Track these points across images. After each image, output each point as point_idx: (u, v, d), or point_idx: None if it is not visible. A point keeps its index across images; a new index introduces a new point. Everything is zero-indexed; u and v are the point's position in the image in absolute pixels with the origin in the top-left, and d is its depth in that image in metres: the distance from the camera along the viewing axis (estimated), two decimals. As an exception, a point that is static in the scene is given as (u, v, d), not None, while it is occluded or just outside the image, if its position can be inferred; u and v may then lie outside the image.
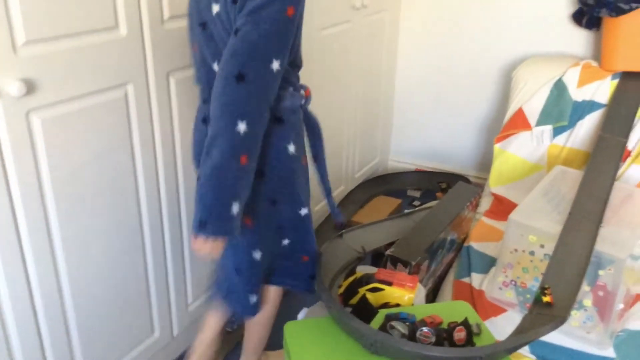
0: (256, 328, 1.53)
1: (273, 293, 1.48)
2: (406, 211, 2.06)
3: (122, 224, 1.41)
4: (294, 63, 1.23)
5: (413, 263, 1.64)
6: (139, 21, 1.30)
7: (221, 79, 1.08)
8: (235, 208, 1.12)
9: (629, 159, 2.06)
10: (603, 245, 1.66)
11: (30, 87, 1.09)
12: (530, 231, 1.71)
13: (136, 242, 1.47)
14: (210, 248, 1.16)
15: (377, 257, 1.86)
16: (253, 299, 1.37)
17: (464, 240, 2.06)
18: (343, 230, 1.71)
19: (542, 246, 1.71)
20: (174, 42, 1.41)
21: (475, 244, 1.97)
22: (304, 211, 1.34)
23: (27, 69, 1.09)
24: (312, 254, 1.42)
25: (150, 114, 1.41)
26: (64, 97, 1.17)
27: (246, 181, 1.14)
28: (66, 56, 1.16)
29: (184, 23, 1.43)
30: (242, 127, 1.08)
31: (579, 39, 2.42)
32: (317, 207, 2.31)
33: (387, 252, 1.69)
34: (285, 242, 1.38)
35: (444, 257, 1.93)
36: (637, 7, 2.04)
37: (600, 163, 1.96)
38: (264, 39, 1.07)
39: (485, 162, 2.77)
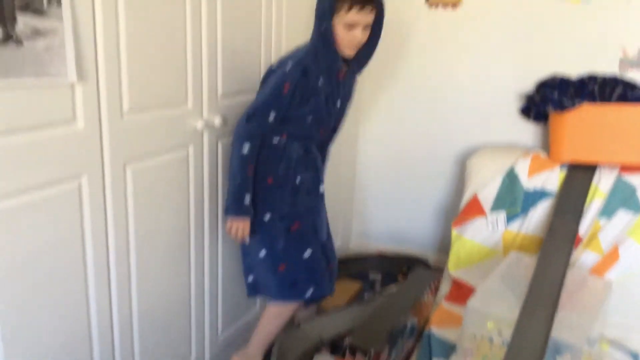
0: (262, 321, 1.90)
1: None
2: (365, 297, 2.06)
3: (69, 323, 1.37)
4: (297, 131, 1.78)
5: (373, 351, 1.62)
6: (98, 114, 1.33)
7: None
8: (247, 199, 1.70)
9: (580, 245, 2.12)
10: (560, 331, 1.67)
11: (-20, 181, 1.09)
12: (488, 317, 1.72)
13: (83, 342, 1.42)
14: (235, 228, 1.73)
15: (336, 346, 1.83)
16: (248, 279, 1.89)
17: (424, 326, 2.05)
18: (300, 321, 1.69)
19: (499, 333, 1.72)
20: (133, 133, 1.44)
21: (435, 330, 1.96)
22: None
23: (-20, 162, 1.09)
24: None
25: (104, 205, 1.40)
26: (15, 189, 1.17)
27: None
28: (19, 149, 1.16)
29: (144, 115, 1.47)
30: (245, 149, 1.70)
31: (528, 130, 2.55)
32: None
33: (347, 341, 1.67)
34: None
35: (405, 344, 1.91)
36: (579, 103, 2.17)
37: (553, 249, 2.01)
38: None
39: (445, 244, 2.81)
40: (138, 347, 1.61)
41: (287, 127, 1.74)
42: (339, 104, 1.82)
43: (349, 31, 1.65)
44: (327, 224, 1.97)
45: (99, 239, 1.40)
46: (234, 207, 1.71)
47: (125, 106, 1.40)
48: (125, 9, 1.35)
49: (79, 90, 1.27)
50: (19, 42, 1.11)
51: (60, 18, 1.19)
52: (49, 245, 1.27)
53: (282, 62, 1.72)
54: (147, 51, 1.45)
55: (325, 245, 1.92)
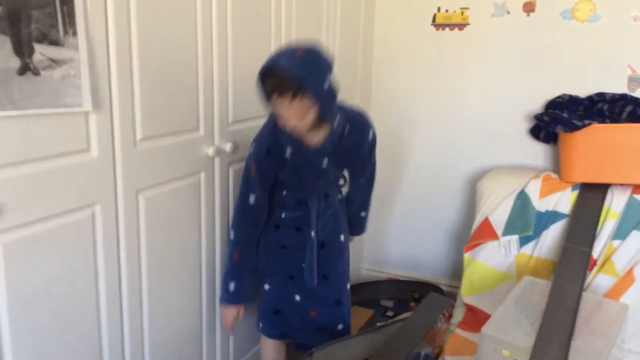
0: None
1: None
2: (378, 325, 2.02)
3: (82, 351, 1.35)
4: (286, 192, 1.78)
5: (386, 381, 1.59)
6: (112, 143, 1.33)
7: None
8: (232, 286, 1.73)
9: (595, 269, 2.09)
10: (576, 358, 1.64)
11: (-5, 211, 1.09)
12: (503, 345, 1.69)
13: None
14: (223, 316, 1.80)
15: (350, 375, 1.80)
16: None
17: (438, 354, 2.02)
18: (313, 349, 1.66)
19: (516, 361, 1.69)
20: (145, 161, 1.44)
21: (450, 359, 1.93)
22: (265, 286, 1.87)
23: (-5, 193, 1.09)
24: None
25: (117, 233, 1.40)
26: (29, 219, 1.17)
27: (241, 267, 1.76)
28: (34, 179, 1.16)
29: (156, 143, 1.47)
30: (231, 235, 1.74)
31: (538, 151, 2.54)
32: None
33: (360, 370, 1.64)
34: None
35: (419, 373, 1.88)
36: (589, 124, 2.16)
37: (567, 273, 1.99)
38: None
39: (456, 270, 2.78)
40: (149, 377, 1.59)
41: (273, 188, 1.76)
42: (325, 162, 1.70)
43: (281, 115, 1.48)
44: (331, 274, 1.88)
45: (111, 267, 1.40)
46: (221, 295, 1.78)
47: (138, 134, 1.40)
48: (137, 38, 1.36)
49: (93, 120, 1.27)
50: (36, 72, 1.12)
51: (76, 48, 1.19)
52: (62, 274, 1.26)
53: (251, 144, 1.69)
54: (160, 80, 1.45)
55: (310, 292, 1.85)
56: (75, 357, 1.33)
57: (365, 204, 2.05)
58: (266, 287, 1.85)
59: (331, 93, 1.49)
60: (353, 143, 1.73)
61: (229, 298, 1.74)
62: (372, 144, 1.85)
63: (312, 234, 1.79)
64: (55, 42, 1.15)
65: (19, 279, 1.17)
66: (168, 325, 1.64)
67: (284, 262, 1.83)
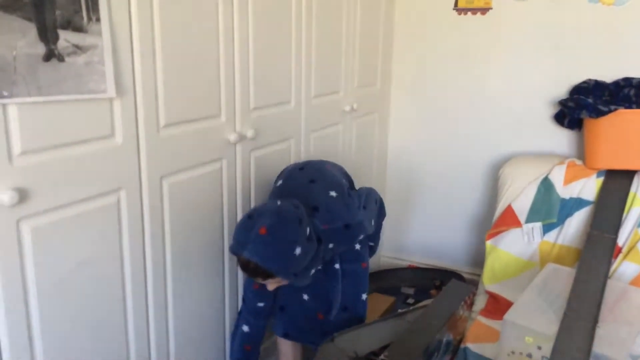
0: None
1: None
2: (400, 311, 2.02)
3: (107, 334, 1.38)
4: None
5: (408, 367, 1.59)
6: (135, 130, 1.34)
7: None
8: None
9: (620, 256, 2.06)
10: (601, 346, 1.63)
11: (22, 196, 1.11)
12: (526, 332, 1.68)
13: (120, 354, 1.43)
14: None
15: (371, 361, 1.80)
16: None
17: (460, 341, 2.01)
18: (335, 334, 1.67)
19: (539, 348, 1.67)
20: (169, 148, 1.45)
21: (472, 345, 1.92)
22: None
23: (21, 178, 1.10)
24: None
25: (141, 218, 1.41)
26: (55, 204, 1.18)
27: None
28: (60, 165, 1.18)
29: (179, 130, 1.48)
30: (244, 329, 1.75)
31: (562, 138, 2.50)
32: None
33: (382, 357, 1.64)
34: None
35: (440, 360, 1.88)
36: (615, 109, 2.12)
37: (591, 261, 1.96)
38: None
39: (478, 258, 2.77)
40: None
41: None
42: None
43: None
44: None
45: (136, 251, 1.41)
46: None
47: (162, 120, 1.41)
48: (160, 25, 1.36)
49: (117, 106, 1.28)
50: (60, 58, 1.13)
51: (99, 34, 1.20)
52: (88, 258, 1.28)
53: None
54: (182, 66, 1.46)
55: (319, 292, 1.80)
56: (101, 339, 1.36)
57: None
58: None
59: (302, 257, 1.44)
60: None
61: None
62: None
63: (336, 265, 1.76)
64: (79, 29, 1.16)
65: (47, 263, 1.19)
66: (192, 309, 1.66)
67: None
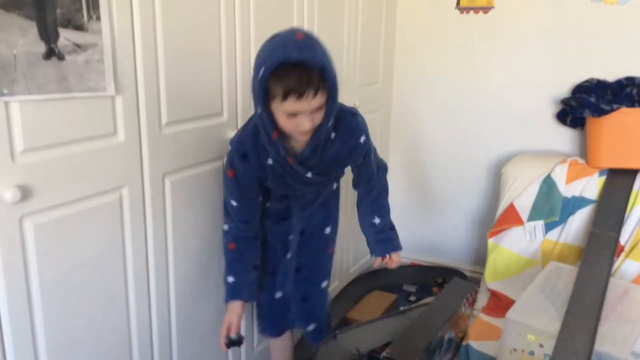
0: None
1: None
2: (402, 308, 2.03)
3: (110, 331, 1.38)
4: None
5: (410, 365, 1.59)
6: (137, 127, 1.34)
7: None
8: (230, 279, 1.54)
9: (622, 254, 2.06)
10: (603, 344, 1.63)
11: (25, 193, 1.11)
12: (528, 330, 1.68)
13: (123, 350, 1.43)
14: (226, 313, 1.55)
15: (373, 359, 1.81)
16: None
17: (462, 339, 2.01)
18: (337, 331, 1.67)
19: (541, 345, 1.67)
20: (171, 145, 1.45)
21: (473, 343, 1.92)
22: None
23: (24, 175, 1.11)
24: None
25: (144, 215, 1.42)
26: (58, 202, 1.19)
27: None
28: (63, 162, 1.18)
29: (181, 127, 1.49)
30: (224, 227, 1.58)
31: (565, 136, 2.50)
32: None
33: (384, 354, 1.64)
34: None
35: (442, 358, 1.88)
36: (618, 108, 2.12)
37: (594, 259, 1.96)
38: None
39: (480, 256, 2.77)
40: (176, 356, 1.62)
41: None
42: (310, 174, 1.49)
43: (292, 119, 1.28)
44: (304, 267, 1.75)
45: (139, 248, 1.42)
46: (225, 291, 1.58)
47: (164, 119, 1.42)
48: (162, 22, 1.36)
49: (119, 104, 1.28)
50: (61, 57, 1.13)
51: (99, 33, 1.20)
52: (91, 255, 1.29)
53: (230, 144, 1.52)
54: (184, 64, 1.46)
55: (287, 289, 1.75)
56: (104, 336, 1.36)
57: (375, 210, 1.71)
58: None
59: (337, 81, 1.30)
60: (339, 151, 1.49)
61: (226, 293, 1.55)
62: (365, 151, 1.56)
63: (294, 221, 1.65)
64: (79, 27, 1.16)
65: (50, 260, 1.19)
66: (194, 307, 1.66)
67: (264, 258, 1.66)
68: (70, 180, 1.21)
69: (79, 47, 1.17)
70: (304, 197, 1.62)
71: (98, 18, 1.20)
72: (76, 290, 1.27)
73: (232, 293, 1.53)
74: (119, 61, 1.26)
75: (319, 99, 1.26)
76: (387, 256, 1.71)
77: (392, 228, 1.73)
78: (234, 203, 1.50)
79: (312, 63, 1.21)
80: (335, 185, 1.72)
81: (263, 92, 1.25)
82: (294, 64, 1.20)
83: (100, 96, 1.24)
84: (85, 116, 1.22)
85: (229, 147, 1.49)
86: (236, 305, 1.52)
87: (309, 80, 1.22)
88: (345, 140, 1.48)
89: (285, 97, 1.23)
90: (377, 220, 1.69)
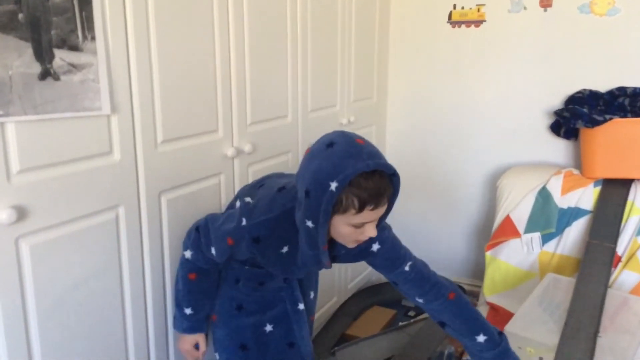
0: None
1: None
2: (401, 324, 2.02)
3: (107, 351, 1.37)
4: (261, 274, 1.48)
5: (410, 380, 1.58)
6: (133, 146, 1.35)
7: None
8: (189, 311, 1.46)
9: (619, 265, 2.06)
10: (603, 356, 1.62)
11: (21, 214, 1.11)
12: (527, 343, 1.68)
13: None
14: (181, 344, 1.51)
15: (373, 375, 1.79)
16: None
17: (462, 353, 2.00)
18: (336, 348, 1.66)
19: (540, 358, 1.67)
20: (166, 163, 1.45)
21: (473, 357, 1.91)
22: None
23: (20, 196, 1.11)
24: None
25: (140, 234, 1.41)
26: (54, 222, 1.18)
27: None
28: (59, 182, 1.18)
29: (177, 145, 1.49)
30: (187, 254, 1.44)
31: (559, 148, 2.51)
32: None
33: (383, 370, 1.64)
34: None
35: (442, 372, 1.87)
36: (610, 118, 2.13)
37: (591, 270, 1.96)
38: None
39: (478, 269, 2.76)
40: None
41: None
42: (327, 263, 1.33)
43: (356, 229, 1.20)
44: (298, 341, 1.57)
45: (135, 267, 1.41)
46: (175, 320, 1.51)
47: (159, 137, 1.42)
48: (157, 42, 1.37)
49: (114, 123, 1.29)
50: (56, 77, 1.14)
51: (94, 53, 1.21)
52: (88, 275, 1.28)
53: (245, 205, 1.33)
54: (179, 82, 1.47)
55: None
56: (101, 356, 1.35)
57: (471, 327, 1.43)
58: (217, 356, 1.54)
59: None
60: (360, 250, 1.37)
61: (184, 324, 1.48)
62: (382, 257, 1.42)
63: (300, 306, 1.55)
64: (74, 47, 1.17)
65: (46, 280, 1.19)
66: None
67: (237, 328, 1.51)
68: (66, 200, 1.20)
69: (74, 67, 1.18)
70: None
71: (93, 38, 1.21)
72: (73, 310, 1.26)
73: (191, 326, 1.48)
74: (114, 80, 1.27)
75: (386, 204, 1.20)
76: None
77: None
78: (213, 252, 1.37)
79: (387, 170, 1.16)
80: None
81: (328, 208, 1.13)
82: (371, 173, 1.13)
83: (96, 115, 1.24)
84: (81, 136, 1.22)
85: (242, 221, 1.29)
86: (195, 338, 1.50)
87: (386, 188, 1.16)
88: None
89: (361, 208, 1.14)
90: (480, 339, 1.41)
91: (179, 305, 1.47)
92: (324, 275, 2.24)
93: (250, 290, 1.50)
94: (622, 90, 2.29)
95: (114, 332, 1.38)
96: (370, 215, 1.16)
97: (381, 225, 1.28)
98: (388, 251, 1.40)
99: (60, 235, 1.21)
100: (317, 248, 1.21)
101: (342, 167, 1.11)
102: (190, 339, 1.50)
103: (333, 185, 1.10)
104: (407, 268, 1.41)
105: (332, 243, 1.31)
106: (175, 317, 1.50)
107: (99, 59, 1.22)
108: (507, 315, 1.98)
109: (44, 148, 1.15)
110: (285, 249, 1.32)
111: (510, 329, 1.69)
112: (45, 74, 1.12)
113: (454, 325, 1.42)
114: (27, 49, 1.08)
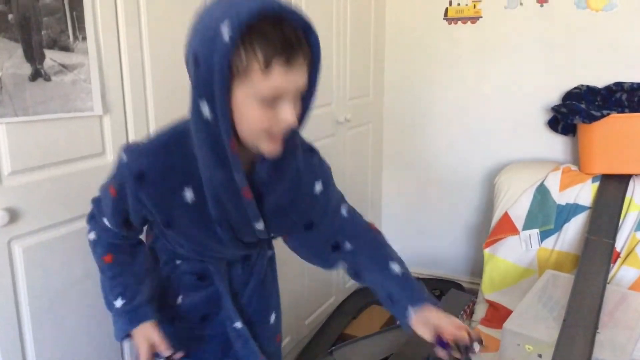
0: None
1: None
2: (399, 322, 2.01)
3: (101, 352, 1.36)
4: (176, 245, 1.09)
5: (408, 379, 1.58)
6: (125, 146, 1.34)
7: None
8: (119, 302, 1.08)
9: (618, 261, 2.05)
10: (602, 351, 1.61)
11: (13, 216, 1.10)
12: (526, 340, 1.67)
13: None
14: (138, 343, 1.08)
15: (371, 374, 1.79)
16: None
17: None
18: (333, 347, 1.66)
19: (540, 356, 1.66)
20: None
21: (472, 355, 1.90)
22: None
23: (12, 198, 1.10)
24: None
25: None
26: (47, 224, 1.18)
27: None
28: (51, 184, 1.18)
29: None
30: (91, 236, 1.10)
31: (557, 144, 2.50)
32: (308, 320, 2.26)
33: (381, 369, 1.63)
34: None
35: (441, 371, 1.86)
36: (608, 114, 2.13)
37: (590, 266, 1.95)
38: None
39: (477, 267, 2.75)
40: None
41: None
42: (259, 225, 1.02)
43: (268, 110, 0.87)
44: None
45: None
46: (114, 320, 1.12)
47: (152, 137, 1.41)
48: (149, 40, 1.36)
49: (107, 123, 1.28)
50: (47, 78, 1.13)
51: (85, 53, 1.20)
52: (80, 277, 1.28)
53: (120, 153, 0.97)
54: (172, 81, 1.46)
55: None
56: (94, 358, 1.34)
57: (382, 260, 1.12)
58: None
59: None
60: (296, 195, 1.05)
61: (122, 321, 1.09)
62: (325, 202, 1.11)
63: (238, 325, 1.13)
64: (65, 48, 1.16)
65: (40, 282, 1.18)
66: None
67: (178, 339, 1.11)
68: (59, 202, 1.20)
69: (65, 68, 1.17)
70: (232, 275, 1.16)
71: (84, 38, 1.20)
72: (67, 312, 1.26)
73: (130, 319, 1.08)
74: (106, 80, 1.26)
75: (304, 72, 0.89)
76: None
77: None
78: (105, 221, 1.05)
79: (297, 17, 0.85)
80: (270, 252, 1.25)
81: (227, 69, 0.82)
82: (276, 19, 0.83)
83: (88, 116, 1.23)
84: (72, 137, 1.21)
85: (123, 155, 0.95)
86: (146, 327, 1.07)
87: (299, 41, 0.85)
88: (309, 173, 1.08)
89: (268, 63, 0.82)
90: (397, 270, 1.11)
91: (108, 305, 1.10)
92: (322, 275, 2.24)
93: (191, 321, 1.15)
94: (619, 86, 2.28)
95: (109, 334, 1.37)
96: (282, 79, 0.84)
97: (304, 118, 0.97)
98: (330, 196, 1.12)
99: (54, 237, 1.20)
100: (223, 153, 0.89)
101: (235, 9, 0.81)
102: (144, 329, 1.07)
103: (225, 34, 0.80)
104: (344, 212, 1.14)
105: (251, 175, 0.98)
106: (113, 326, 1.11)
107: (90, 59, 1.21)
108: (506, 313, 1.97)
109: (36, 149, 1.14)
110: (188, 195, 0.96)
111: (509, 326, 1.69)
112: (36, 75, 1.11)
113: (373, 260, 1.12)
114: (17, 50, 1.08)
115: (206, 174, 0.94)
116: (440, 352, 0.99)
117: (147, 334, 1.06)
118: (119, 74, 1.30)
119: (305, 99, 0.94)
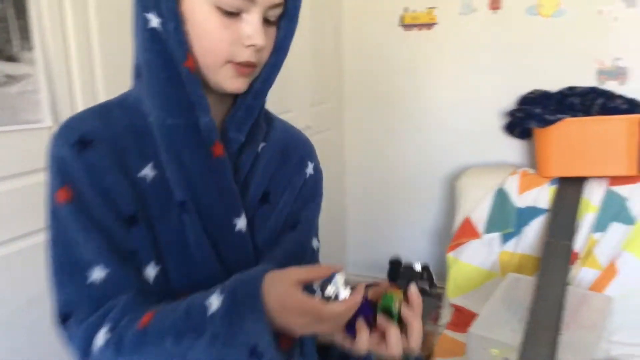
0: None
1: None
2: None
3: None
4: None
5: (376, 388, 1.55)
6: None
7: None
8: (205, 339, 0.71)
9: (577, 262, 2.09)
10: (566, 353, 1.63)
11: (-44, 237, 1.03)
12: (491, 344, 1.67)
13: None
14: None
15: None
16: None
17: (428, 357, 1.99)
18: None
19: (506, 359, 1.67)
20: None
21: (439, 360, 1.90)
22: None
23: (-46, 218, 1.03)
24: None
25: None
26: (4, 238, 1.13)
27: None
28: (4, 198, 1.12)
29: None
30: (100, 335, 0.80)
31: (514, 148, 2.54)
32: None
33: (349, 379, 1.60)
34: None
35: (409, 378, 1.85)
36: (562, 118, 2.17)
37: (550, 268, 1.98)
38: None
39: (441, 271, 2.76)
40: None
41: None
42: (238, 223, 0.81)
43: (229, 21, 0.72)
44: None
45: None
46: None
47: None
48: (99, 48, 1.31)
49: (57, 136, 1.22)
50: (-9, 89, 1.07)
51: (32, 63, 1.15)
52: (39, 294, 1.20)
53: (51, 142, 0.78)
54: (125, 88, 1.39)
55: None
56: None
57: None
58: None
59: None
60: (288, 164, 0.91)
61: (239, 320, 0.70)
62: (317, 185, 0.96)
63: None
64: (11, 58, 1.10)
65: (3, 295, 1.13)
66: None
67: None
68: (13, 216, 1.14)
69: (11, 78, 1.11)
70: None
71: (31, 48, 1.14)
72: (25, 330, 1.20)
73: (248, 309, 0.70)
74: (56, 91, 1.20)
75: None
76: None
77: None
78: (95, 276, 0.73)
79: None
80: None
81: None
82: None
83: (38, 128, 1.17)
84: (23, 150, 1.15)
85: (49, 148, 0.77)
86: (278, 292, 0.71)
87: None
88: (294, 151, 0.93)
89: None
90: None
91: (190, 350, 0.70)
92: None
93: None
94: (572, 90, 2.34)
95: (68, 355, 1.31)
96: None
97: (277, 62, 0.82)
98: (316, 194, 0.94)
99: (7, 253, 1.15)
100: (180, 83, 0.72)
101: None
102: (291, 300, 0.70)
103: None
104: (314, 244, 0.95)
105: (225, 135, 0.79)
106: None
107: (38, 69, 1.15)
108: (471, 316, 1.97)
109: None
110: (147, 169, 0.75)
111: (474, 330, 1.69)
112: (-22, 87, 1.05)
113: None
114: (-43, 60, 1.01)
115: (162, 128, 0.72)
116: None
117: (289, 289, 0.70)
118: (68, 84, 1.24)
119: (280, 38, 0.79)
